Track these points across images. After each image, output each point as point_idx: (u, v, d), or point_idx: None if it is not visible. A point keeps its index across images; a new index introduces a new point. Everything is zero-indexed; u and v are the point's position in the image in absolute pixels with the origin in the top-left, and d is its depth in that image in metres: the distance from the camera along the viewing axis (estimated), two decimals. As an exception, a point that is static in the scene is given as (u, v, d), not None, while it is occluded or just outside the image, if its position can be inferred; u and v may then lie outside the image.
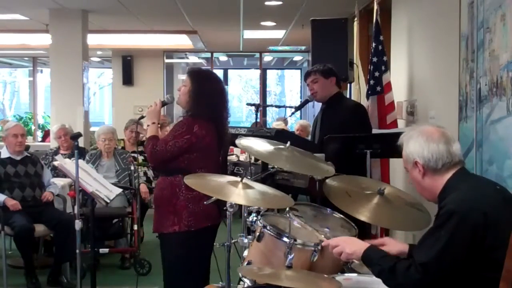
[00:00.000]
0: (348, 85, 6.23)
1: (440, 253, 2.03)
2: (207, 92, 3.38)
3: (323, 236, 2.57)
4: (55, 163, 4.71)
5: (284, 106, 5.16)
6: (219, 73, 16.87)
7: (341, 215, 2.88)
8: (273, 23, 9.18)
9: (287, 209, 2.65)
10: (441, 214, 2.09)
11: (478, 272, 2.04)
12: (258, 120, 4.47)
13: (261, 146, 2.93)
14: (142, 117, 3.66)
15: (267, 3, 7.50)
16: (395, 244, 2.46)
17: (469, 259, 2.03)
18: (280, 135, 3.55)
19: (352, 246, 2.29)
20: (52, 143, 7.17)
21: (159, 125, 3.58)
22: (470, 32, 3.44)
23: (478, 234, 2.01)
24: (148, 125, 3.50)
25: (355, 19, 6.57)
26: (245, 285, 2.58)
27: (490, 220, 2.02)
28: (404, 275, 2.08)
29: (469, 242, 2.02)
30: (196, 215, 3.29)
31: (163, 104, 3.58)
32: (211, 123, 3.37)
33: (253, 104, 4.48)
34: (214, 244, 3.16)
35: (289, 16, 8.39)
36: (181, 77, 15.38)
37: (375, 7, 5.28)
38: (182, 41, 11.08)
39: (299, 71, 17.92)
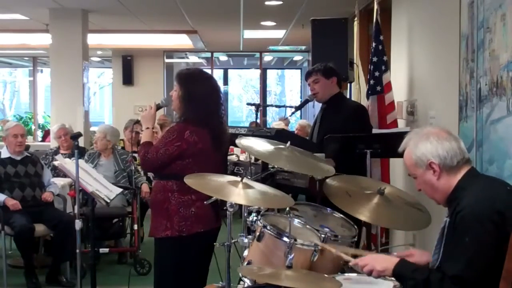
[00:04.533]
0: (348, 85, 6.24)
1: (471, 260, 2.01)
2: (196, 95, 3.26)
3: (350, 256, 2.43)
4: (55, 163, 4.71)
5: (284, 106, 5.15)
6: (219, 73, 16.88)
7: (341, 215, 2.89)
8: (273, 23, 9.18)
9: (287, 209, 2.66)
10: (460, 221, 2.06)
11: None
12: (258, 120, 4.46)
13: (261, 146, 2.92)
14: (138, 121, 3.62)
15: (267, 3, 7.50)
16: (421, 255, 2.43)
17: (500, 258, 2.00)
18: (280, 135, 3.54)
19: (382, 263, 2.25)
20: (52, 143, 7.18)
21: (153, 130, 3.53)
22: (470, 32, 3.44)
23: (501, 232, 2.00)
24: (142, 130, 3.43)
25: (355, 19, 6.57)
26: (245, 285, 2.58)
27: (507, 219, 2.01)
28: (439, 287, 2.05)
29: (495, 241, 2.00)
30: (187, 220, 3.21)
31: (158, 107, 3.48)
32: (204, 127, 3.25)
33: (253, 104, 4.46)
34: (214, 244, 3.14)
35: (289, 16, 8.39)
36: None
37: (375, 7, 5.27)
38: (182, 41, 11.08)
39: (299, 71, 17.91)
